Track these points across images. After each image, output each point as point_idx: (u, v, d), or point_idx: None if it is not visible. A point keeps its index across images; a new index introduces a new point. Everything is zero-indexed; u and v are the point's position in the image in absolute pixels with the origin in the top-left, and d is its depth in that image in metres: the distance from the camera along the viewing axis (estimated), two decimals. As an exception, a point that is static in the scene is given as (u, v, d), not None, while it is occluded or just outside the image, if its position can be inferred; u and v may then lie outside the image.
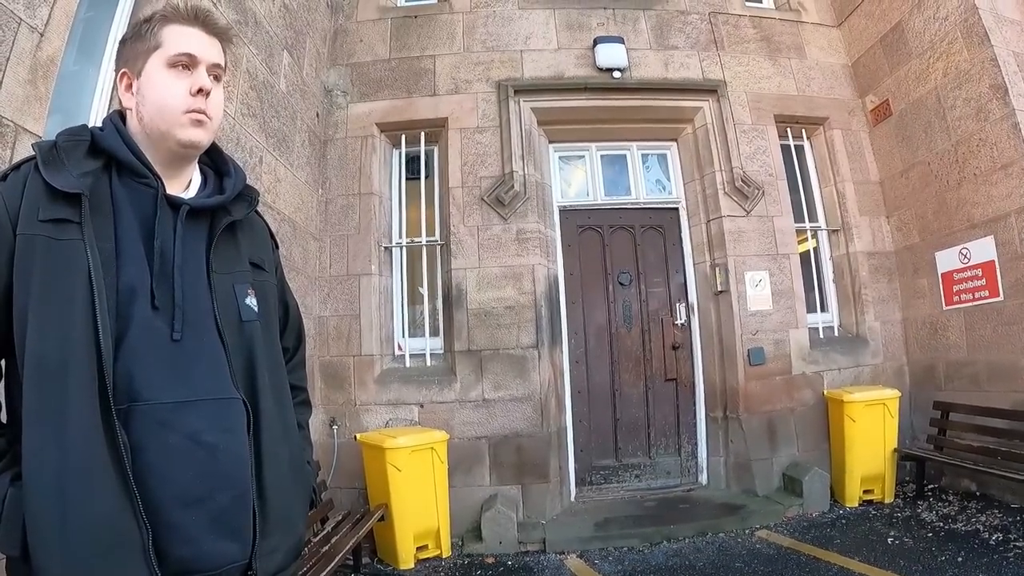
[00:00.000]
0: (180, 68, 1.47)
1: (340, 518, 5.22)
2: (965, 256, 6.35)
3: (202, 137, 1.49)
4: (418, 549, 5.47)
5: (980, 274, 6.19)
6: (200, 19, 1.52)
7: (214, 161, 1.68)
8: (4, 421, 1.36)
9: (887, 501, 6.15)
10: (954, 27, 6.30)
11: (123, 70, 1.52)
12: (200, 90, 1.46)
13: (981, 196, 6.14)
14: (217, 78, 1.53)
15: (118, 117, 1.52)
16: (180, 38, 1.48)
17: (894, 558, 4.75)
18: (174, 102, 1.45)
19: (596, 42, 7.06)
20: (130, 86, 1.51)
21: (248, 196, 1.66)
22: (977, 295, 6.25)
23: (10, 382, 1.36)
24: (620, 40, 7.09)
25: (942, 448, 6.20)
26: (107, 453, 1.22)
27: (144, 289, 1.35)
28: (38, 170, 1.33)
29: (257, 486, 1.42)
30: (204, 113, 1.47)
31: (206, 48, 1.50)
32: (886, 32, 7.17)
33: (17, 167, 1.39)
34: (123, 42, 1.56)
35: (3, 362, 1.38)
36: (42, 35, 2.91)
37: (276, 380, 1.59)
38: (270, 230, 1.82)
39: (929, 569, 4.47)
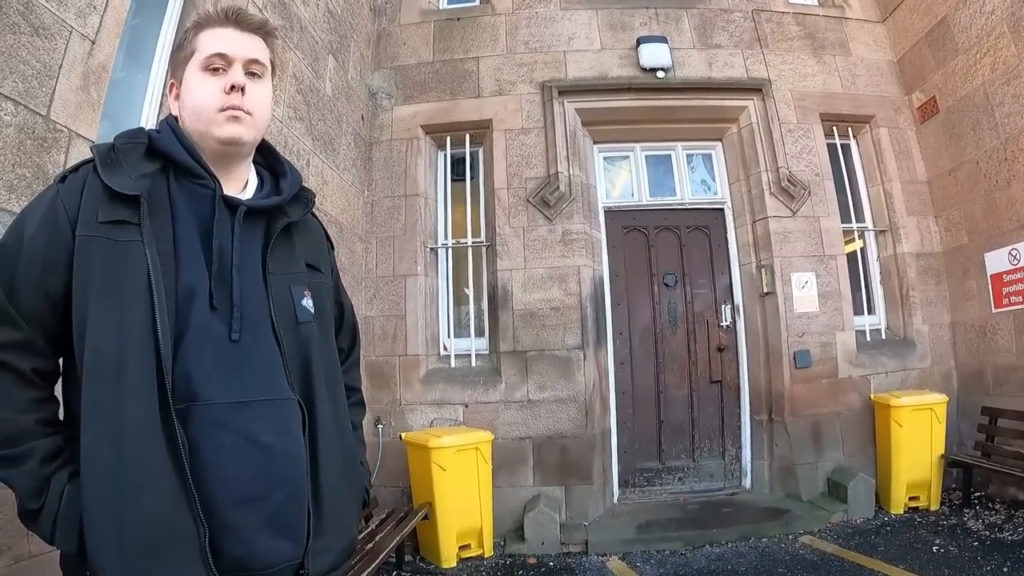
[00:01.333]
0: (215, 71, 1.48)
1: (384, 516, 5.27)
2: (1015, 257, 6.21)
3: (241, 132, 1.48)
4: (460, 548, 5.51)
5: (1030, 276, 6.06)
6: (232, 18, 1.52)
7: (269, 162, 1.69)
8: (61, 419, 1.38)
9: (933, 508, 6.04)
10: (1001, 21, 6.16)
11: (171, 81, 1.56)
12: (233, 87, 1.46)
13: (1032, 195, 5.99)
14: (257, 74, 1.52)
15: (174, 120, 1.54)
16: (212, 40, 1.49)
17: (939, 567, 4.67)
18: (207, 100, 1.46)
19: (639, 42, 7.02)
20: (178, 95, 1.54)
21: (304, 197, 1.67)
22: (1027, 297, 6.11)
23: (67, 382, 1.39)
24: (663, 40, 7.03)
25: (990, 455, 6.07)
26: (165, 452, 1.24)
27: (203, 290, 1.37)
28: (96, 172, 1.35)
29: (312, 487, 1.43)
30: (240, 109, 1.46)
31: (239, 45, 1.50)
32: (931, 27, 7.02)
33: (76, 169, 1.41)
34: (172, 54, 1.62)
35: (61, 361, 1.40)
36: (93, 43, 2.96)
37: (331, 381, 1.59)
38: (326, 231, 1.83)
39: (974, 579, 4.39)
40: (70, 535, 1.25)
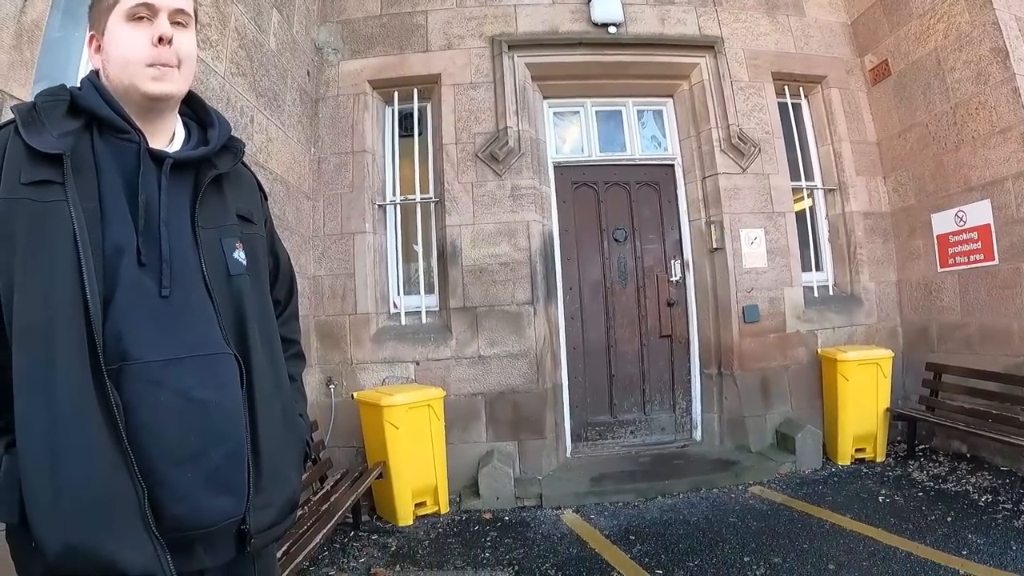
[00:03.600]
0: (140, 20, 1.43)
1: (339, 477, 5.25)
2: (961, 219, 6.33)
3: (169, 88, 1.46)
4: (416, 506, 5.50)
5: (976, 237, 6.18)
6: None
7: (197, 113, 1.65)
8: None
9: (879, 460, 6.21)
10: (956, -12, 6.19)
11: (91, 33, 1.51)
12: (161, 39, 1.42)
13: (979, 159, 6.09)
14: (182, 23, 1.49)
15: (96, 76, 1.49)
16: None
17: (885, 516, 4.80)
18: (136, 54, 1.42)
19: (592, -4, 6.93)
20: (99, 47, 1.49)
21: (234, 148, 1.64)
22: (972, 258, 6.24)
23: None
24: (616, -6, 6.95)
25: (934, 409, 6.25)
26: (99, 414, 1.21)
27: (130, 246, 1.33)
28: (18, 133, 1.31)
29: (251, 441, 1.42)
30: (167, 64, 1.44)
31: None
32: (887, -9, 7.06)
33: None
34: (91, 6, 1.53)
35: None
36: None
37: (266, 333, 1.57)
38: (258, 181, 1.80)
39: (919, 528, 4.51)
40: (10, 507, 1.21)
